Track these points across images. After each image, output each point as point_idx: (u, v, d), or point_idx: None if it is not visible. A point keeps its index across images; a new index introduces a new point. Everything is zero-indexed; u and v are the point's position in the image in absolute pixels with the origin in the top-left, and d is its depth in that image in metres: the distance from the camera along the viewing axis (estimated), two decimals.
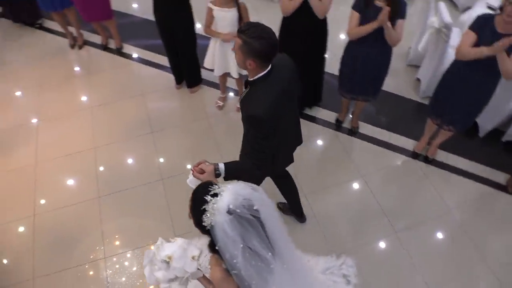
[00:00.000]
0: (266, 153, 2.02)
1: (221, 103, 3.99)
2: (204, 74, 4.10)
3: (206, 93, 4.15)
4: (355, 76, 3.18)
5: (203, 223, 1.37)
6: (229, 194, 1.37)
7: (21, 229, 3.19)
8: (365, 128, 3.77)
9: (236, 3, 3.12)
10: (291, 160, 2.53)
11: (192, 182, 1.92)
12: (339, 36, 4.56)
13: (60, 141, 3.78)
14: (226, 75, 3.70)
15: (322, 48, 3.39)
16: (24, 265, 2.98)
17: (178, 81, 4.14)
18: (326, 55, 3.50)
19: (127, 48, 4.71)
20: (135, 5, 5.37)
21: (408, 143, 3.64)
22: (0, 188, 3.47)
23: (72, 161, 3.62)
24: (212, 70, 3.61)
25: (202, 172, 1.90)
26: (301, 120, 2.52)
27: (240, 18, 3.16)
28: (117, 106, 4.07)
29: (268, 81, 1.94)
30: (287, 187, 2.87)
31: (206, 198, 1.37)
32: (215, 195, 1.38)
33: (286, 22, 3.19)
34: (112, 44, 4.72)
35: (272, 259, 1.46)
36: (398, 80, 4.16)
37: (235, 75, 3.53)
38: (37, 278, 2.91)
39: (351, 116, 3.79)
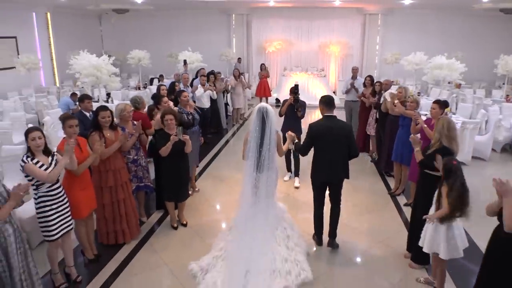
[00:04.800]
0: (304, 146, 4.27)
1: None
2: None
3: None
4: None
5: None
6: (265, 104, 3.78)
7: None
8: None
9: None
10: (330, 179, 4.27)
11: None
12: None
13: None
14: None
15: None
16: None
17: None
18: None
19: None
20: None
21: None
22: None
23: None
24: None
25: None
26: None
27: None
28: None
29: (327, 119, 4.21)
30: (332, 209, 4.41)
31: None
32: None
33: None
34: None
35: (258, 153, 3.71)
36: None
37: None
38: None
39: None
